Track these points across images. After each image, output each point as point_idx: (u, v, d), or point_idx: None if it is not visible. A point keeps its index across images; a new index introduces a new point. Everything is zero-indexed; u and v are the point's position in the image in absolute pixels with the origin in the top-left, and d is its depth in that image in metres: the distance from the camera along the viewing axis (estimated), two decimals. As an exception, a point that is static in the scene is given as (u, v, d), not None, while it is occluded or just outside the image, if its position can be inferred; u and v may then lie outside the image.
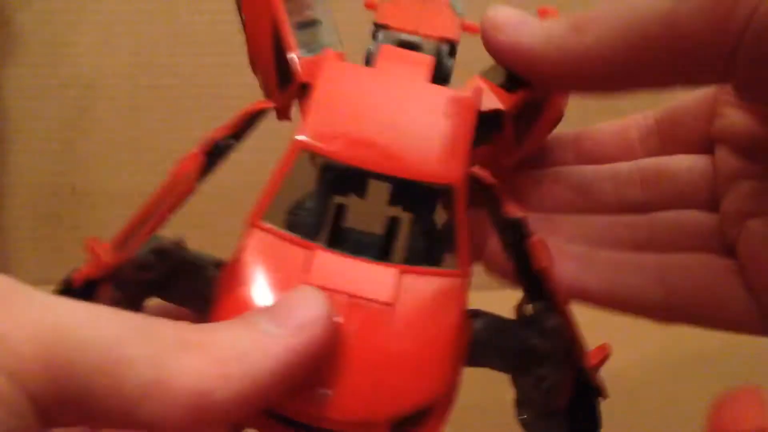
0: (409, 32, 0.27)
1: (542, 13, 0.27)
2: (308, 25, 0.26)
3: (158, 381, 0.17)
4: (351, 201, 0.24)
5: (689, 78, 0.24)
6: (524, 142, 0.28)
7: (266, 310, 0.21)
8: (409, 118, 0.24)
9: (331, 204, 0.25)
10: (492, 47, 0.25)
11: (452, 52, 0.27)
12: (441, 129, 0.24)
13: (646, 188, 0.29)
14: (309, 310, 0.20)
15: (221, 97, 0.59)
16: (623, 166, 0.30)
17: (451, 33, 0.27)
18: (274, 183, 0.23)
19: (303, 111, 0.24)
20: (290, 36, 0.25)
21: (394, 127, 0.23)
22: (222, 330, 0.20)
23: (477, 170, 0.23)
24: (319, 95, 0.25)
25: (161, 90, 0.59)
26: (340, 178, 0.24)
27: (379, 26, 0.28)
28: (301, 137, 0.23)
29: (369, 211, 0.24)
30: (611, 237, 0.28)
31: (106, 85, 0.59)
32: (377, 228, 0.24)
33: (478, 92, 0.25)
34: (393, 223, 0.24)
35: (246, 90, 0.61)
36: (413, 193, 0.24)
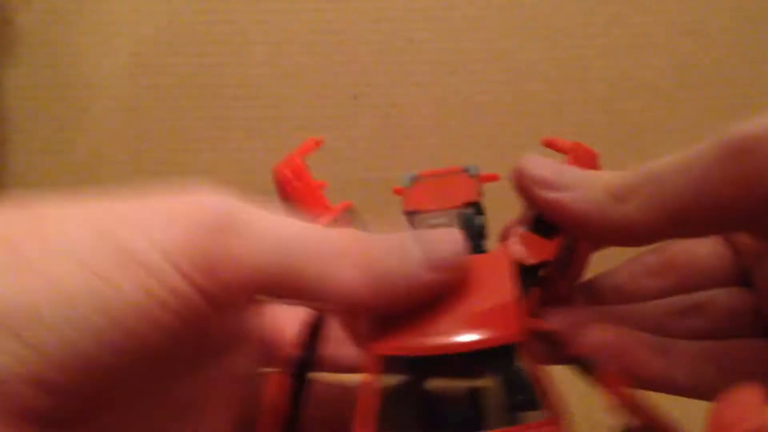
0: (434, 211, 0.28)
1: (549, 144, 0.29)
2: None
3: (327, 279, 0.22)
4: (431, 386, 0.25)
5: (721, 230, 0.26)
6: (568, 272, 0.28)
7: (420, 240, 0.23)
8: (457, 295, 0.25)
9: (414, 396, 0.25)
10: (530, 200, 0.26)
11: (479, 210, 0.28)
12: (489, 295, 0.25)
13: (675, 274, 0.29)
14: (452, 251, 0.23)
15: (221, 97, 0.59)
16: (650, 258, 0.30)
17: (471, 196, 0.28)
18: (370, 401, 0.24)
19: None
20: None
21: (448, 304, 0.24)
22: (381, 254, 0.23)
23: (534, 322, 0.25)
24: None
25: (161, 90, 0.59)
26: (416, 369, 0.25)
27: (407, 214, 0.29)
28: (374, 348, 0.24)
29: (451, 390, 0.25)
30: (668, 325, 0.28)
31: (106, 85, 0.59)
32: (463, 402, 0.25)
33: (517, 250, 0.26)
34: (476, 394, 0.25)
35: (246, 90, 0.61)
36: (485, 361, 0.24)
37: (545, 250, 0.26)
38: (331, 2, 0.59)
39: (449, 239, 0.24)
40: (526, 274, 0.25)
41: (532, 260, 0.25)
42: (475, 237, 0.27)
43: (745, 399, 0.24)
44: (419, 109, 0.59)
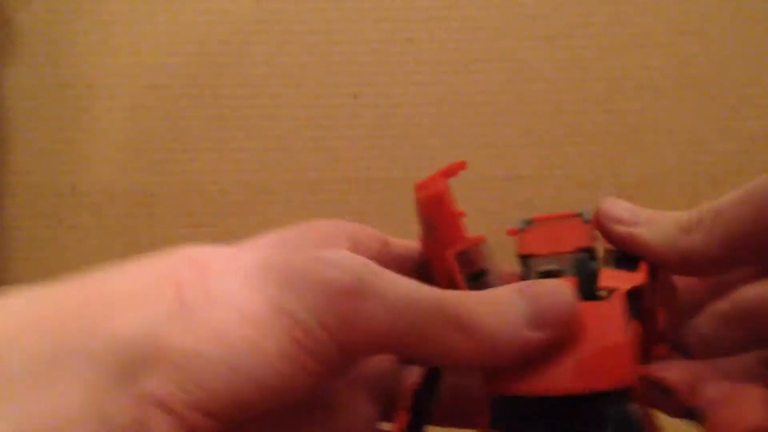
0: (548, 254, 0.29)
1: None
2: (479, 275, 0.29)
3: (439, 346, 0.24)
4: (544, 427, 0.26)
5: None
6: (660, 299, 0.29)
7: (522, 294, 0.25)
8: (572, 338, 0.25)
9: None
10: (610, 236, 0.29)
11: (592, 256, 0.29)
12: (604, 337, 0.25)
13: (753, 322, 0.30)
14: (560, 309, 0.25)
15: (221, 97, 0.59)
16: (724, 306, 0.31)
17: (585, 242, 0.29)
18: None
19: None
20: (463, 286, 0.28)
21: (564, 347, 0.25)
22: (484, 315, 0.24)
23: (648, 369, 0.26)
24: None
25: (161, 90, 0.59)
26: (531, 411, 0.26)
27: (521, 257, 0.30)
28: (488, 389, 0.26)
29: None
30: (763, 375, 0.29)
31: (106, 85, 0.59)
32: None
33: (608, 281, 0.27)
34: None
35: (246, 90, 0.61)
36: (600, 404, 0.25)
37: (633, 278, 0.27)
38: (331, 2, 0.59)
39: (557, 292, 0.25)
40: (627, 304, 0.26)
41: (624, 286, 0.26)
42: (589, 283, 0.28)
43: (745, 399, 0.24)
44: (419, 109, 0.59)
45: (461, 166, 0.30)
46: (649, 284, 0.27)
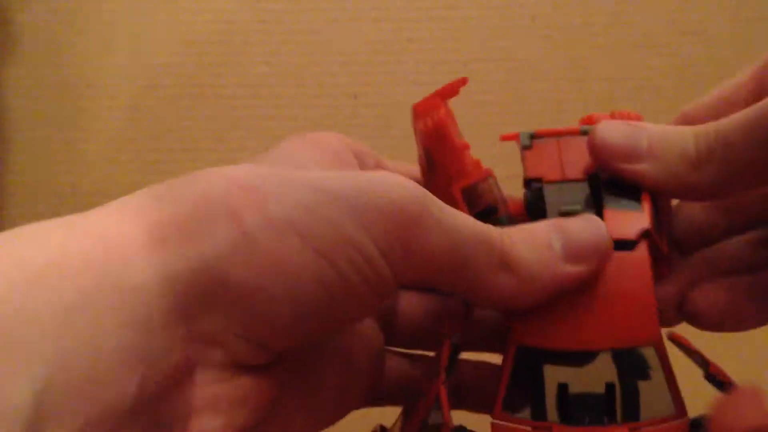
0: (557, 180, 0.28)
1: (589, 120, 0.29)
2: (487, 212, 0.28)
3: (482, 282, 0.23)
4: (569, 377, 0.26)
5: None
6: (662, 227, 0.29)
7: (559, 231, 0.25)
8: (596, 290, 0.25)
9: (552, 384, 0.26)
10: (610, 171, 0.27)
11: (598, 182, 0.28)
12: (630, 288, 0.25)
13: (746, 209, 0.30)
14: (595, 243, 0.25)
15: (221, 97, 0.59)
16: None
17: (592, 164, 0.28)
18: (503, 381, 0.26)
19: None
20: None
21: (590, 294, 0.25)
22: (524, 252, 0.24)
23: (677, 336, 0.26)
24: None
25: (161, 90, 0.59)
26: (555, 361, 0.26)
27: (529, 180, 0.29)
28: (516, 337, 0.25)
29: (587, 380, 0.26)
30: (755, 257, 0.29)
31: (106, 85, 0.59)
32: (598, 393, 0.26)
33: (614, 229, 0.26)
34: (610, 388, 0.26)
35: (246, 90, 0.61)
36: (623, 357, 0.25)
37: (641, 220, 0.26)
38: (331, 2, 0.59)
39: (591, 227, 0.25)
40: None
41: (634, 234, 0.26)
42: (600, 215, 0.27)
43: (745, 399, 0.24)
44: (419, 109, 0.59)
45: (462, 82, 0.29)
46: (654, 216, 0.27)
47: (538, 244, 0.24)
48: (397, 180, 0.22)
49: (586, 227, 0.25)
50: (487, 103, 0.59)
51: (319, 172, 0.23)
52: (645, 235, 0.26)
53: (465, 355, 0.30)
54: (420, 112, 0.29)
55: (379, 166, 0.30)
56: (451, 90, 0.29)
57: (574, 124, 0.31)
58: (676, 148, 0.26)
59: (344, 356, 0.27)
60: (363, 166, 0.29)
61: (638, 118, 0.29)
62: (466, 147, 0.28)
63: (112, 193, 0.59)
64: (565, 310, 0.25)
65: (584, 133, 0.29)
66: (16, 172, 0.59)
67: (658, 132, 0.27)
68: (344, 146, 0.28)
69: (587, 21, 0.59)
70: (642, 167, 0.26)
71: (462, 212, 0.23)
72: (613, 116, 0.29)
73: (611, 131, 0.27)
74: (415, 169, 0.30)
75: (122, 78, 0.59)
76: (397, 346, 0.31)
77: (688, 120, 0.30)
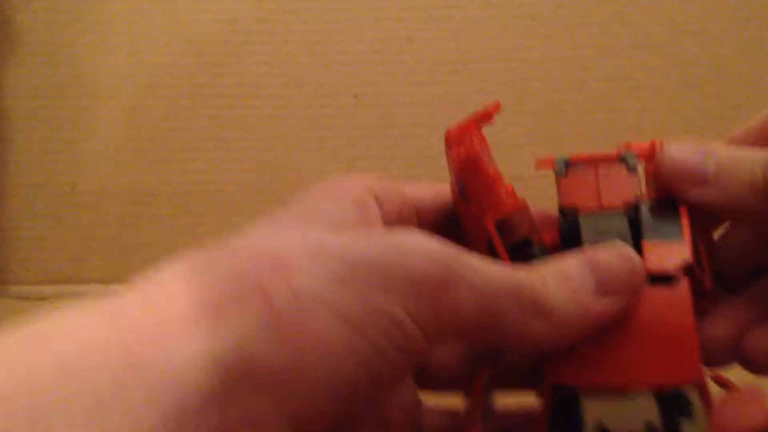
0: (594, 210, 0.27)
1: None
2: (521, 246, 0.26)
3: (516, 332, 0.23)
4: (608, 416, 0.25)
5: None
6: (706, 260, 0.27)
7: (590, 265, 0.24)
8: (635, 326, 0.24)
9: (591, 423, 0.25)
10: (676, 192, 0.26)
11: (638, 213, 0.27)
12: (669, 323, 0.24)
13: None
14: (627, 273, 0.24)
15: (221, 97, 0.59)
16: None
17: (631, 195, 0.27)
18: (542, 423, 0.25)
19: None
20: (505, 257, 0.26)
21: (629, 338, 0.24)
22: (556, 294, 0.23)
23: (722, 378, 0.25)
24: None
25: (161, 90, 0.59)
26: (592, 400, 0.25)
27: (564, 209, 0.28)
28: (550, 376, 0.25)
29: (626, 422, 0.25)
30: None
31: (106, 85, 0.59)
32: None
33: (653, 262, 0.25)
34: (651, 428, 0.24)
35: (246, 90, 0.61)
36: (663, 397, 0.24)
37: (681, 252, 0.25)
38: (331, 2, 0.59)
39: (622, 258, 0.24)
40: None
41: (674, 268, 0.25)
42: (638, 246, 0.26)
43: (745, 399, 0.24)
44: (419, 109, 0.59)
45: (496, 108, 0.28)
46: (696, 248, 0.26)
47: (569, 283, 0.24)
48: (422, 244, 0.22)
49: (617, 258, 0.24)
50: (487, 103, 0.59)
51: (344, 236, 0.23)
52: (686, 269, 0.25)
53: (500, 395, 0.30)
54: (452, 139, 0.28)
55: (403, 201, 0.29)
56: (485, 116, 0.28)
57: (608, 150, 0.29)
58: (744, 174, 0.25)
59: (381, 421, 0.27)
60: (387, 207, 0.28)
61: None
62: (500, 177, 0.27)
63: (112, 193, 0.59)
64: (603, 347, 0.24)
65: (623, 160, 0.28)
66: (16, 172, 0.59)
67: (726, 156, 0.26)
68: (366, 193, 0.27)
69: (587, 21, 0.59)
70: (708, 191, 0.26)
71: (491, 260, 0.23)
72: (653, 145, 0.28)
73: (681, 152, 0.26)
74: (442, 187, 0.30)
75: (122, 78, 0.59)
76: (430, 390, 0.31)
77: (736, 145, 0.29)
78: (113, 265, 0.59)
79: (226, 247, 0.22)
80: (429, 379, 0.30)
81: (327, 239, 0.22)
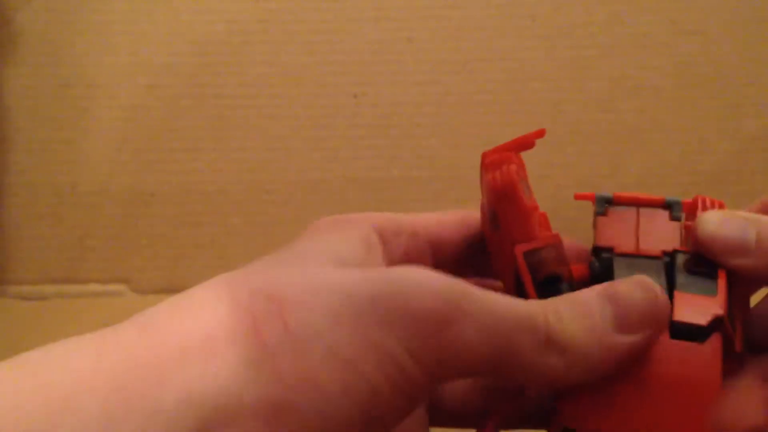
0: (630, 254, 0.26)
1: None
2: (550, 281, 0.25)
3: (530, 368, 0.22)
4: None
5: None
6: (739, 323, 0.27)
7: (608, 297, 0.23)
8: (661, 384, 0.23)
9: None
10: (716, 261, 0.26)
11: (674, 262, 0.26)
12: (695, 391, 0.23)
13: None
14: (647, 305, 0.23)
15: (221, 97, 0.59)
16: None
17: (671, 243, 0.26)
18: None
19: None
20: (531, 291, 0.25)
21: (647, 390, 0.23)
22: (572, 328, 0.22)
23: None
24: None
25: (161, 90, 0.59)
26: None
27: (598, 248, 0.27)
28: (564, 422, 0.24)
29: None
30: None
31: (106, 85, 0.59)
32: None
33: (683, 311, 0.24)
34: None
35: (246, 90, 0.61)
36: None
37: (713, 306, 0.24)
38: (331, 2, 0.59)
39: (642, 290, 0.23)
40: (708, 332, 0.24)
41: (705, 320, 0.24)
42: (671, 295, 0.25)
43: (745, 399, 0.24)
44: (419, 109, 0.59)
45: (539, 134, 0.26)
46: (730, 306, 0.25)
47: (586, 318, 0.23)
48: (424, 279, 0.21)
49: (638, 289, 0.23)
50: (487, 103, 0.59)
51: (343, 272, 0.22)
52: (717, 323, 0.24)
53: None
54: (489, 163, 0.26)
55: (412, 237, 0.28)
56: (526, 142, 0.27)
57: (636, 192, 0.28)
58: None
59: None
60: (392, 245, 0.27)
61: (721, 205, 0.28)
62: (535, 208, 0.26)
63: (112, 193, 0.59)
64: (621, 395, 0.23)
65: (667, 206, 0.27)
66: (16, 172, 0.59)
67: (763, 224, 0.25)
68: (370, 230, 0.27)
69: (587, 21, 0.59)
70: (749, 261, 0.25)
71: (502, 294, 0.22)
72: (695, 201, 0.27)
73: (720, 225, 0.25)
74: (467, 215, 0.29)
75: (122, 78, 0.59)
76: (444, 424, 0.30)
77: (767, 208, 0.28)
78: (113, 265, 0.59)
79: (224, 283, 0.22)
80: (443, 411, 0.29)
81: (325, 274, 0.22)
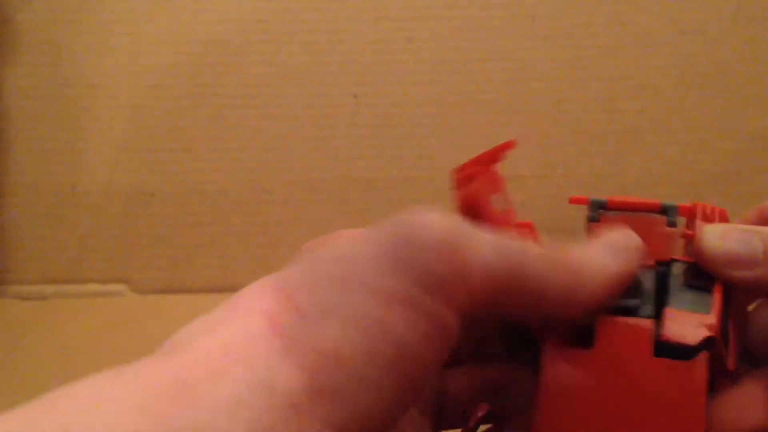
0: None
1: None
2: None
3: (546, 282, 0.22)
4: None
5: None
6: (731, 342, 0.26)
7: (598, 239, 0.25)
8: (640, 402, 0.23)
9: None
10: (719, 276, 0.25)
11: (668, 271, 0.26)
12: (674, 407, 0.23)
13: None
14: (629, 243, 0.25)
15: (221, 97, 0.59)
16: None
17: (665, 252, 0.26)
18: None
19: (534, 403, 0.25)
20: None
21: (626, 408, 0.23)
22: (573, 252, 0.24)
23: None
24: (545, 391, 0.24)
25: (162, 90, 0.59)
26: None
27: None
28: None
29: None
30: None
31: (106, 85, 0.59)
32: None
33: (673, 328, 0.24)
34: None
35: (246, 90, 0.61)
36: None
37: (705, 322, 0.24)
38: (331, 2, 0.59)
39: (624, 235, 0.25)
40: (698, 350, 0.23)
41: (693, 339, 0.23)
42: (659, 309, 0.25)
43: (745, 399, 0.24)
44: (419, 109, 0.59)
45: (509, 146, 0.26)
46: (723, 322, 0.24)
47: (583, 247, 0.24)
48: (421, 215, 0.21)
49: (622, 235, 0.25)
50: (487, 102, 0.59)
51: (335, 246, 0.22)
52: (707, 343, 0.23)
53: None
54: (458, 180, 0.26)
55: None
56: (494, 155, 0.26)
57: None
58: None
59: None
60: None
61: (723, 214, 0.27)
62: (507, 220, 0.26)
63: (112, 193, 0.59)
64: (602, 413, 0.23)
65: (664, 211, 0.26)
66: (16, 172, 0.59)
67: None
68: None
69: (587, 21, 0.59)
70: (756, 274, 0.25)
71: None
72: (694, 207, 0.27)
73: (722, 238, 0.25)
74: None
75: (122, 78, 0.59)
76: (449, 429, 0.30)
77: (764, 217, 0.28)
78: (113, 265, 0.59)
79: (229, 301, 0.21)
80: (448, 416, 0.29)
81: (322, 253, 0.22)
